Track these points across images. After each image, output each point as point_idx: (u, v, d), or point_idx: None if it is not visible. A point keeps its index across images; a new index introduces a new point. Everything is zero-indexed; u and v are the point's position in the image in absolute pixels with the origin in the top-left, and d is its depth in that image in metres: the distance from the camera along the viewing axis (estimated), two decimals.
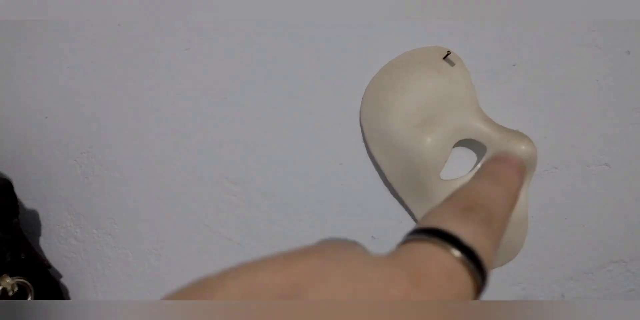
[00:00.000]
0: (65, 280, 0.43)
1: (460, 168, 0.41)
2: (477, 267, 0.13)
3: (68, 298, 0.43)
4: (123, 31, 0.42)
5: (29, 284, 0.40)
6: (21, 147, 0.43)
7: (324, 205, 0.42)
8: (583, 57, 0.41)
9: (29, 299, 0.41)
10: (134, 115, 0.42)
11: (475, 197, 0.15)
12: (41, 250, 0.43)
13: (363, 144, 0.41)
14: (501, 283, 0.41)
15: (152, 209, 0.43)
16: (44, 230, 0.44)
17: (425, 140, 0.40)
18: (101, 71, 0.43)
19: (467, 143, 0.41)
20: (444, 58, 0.42)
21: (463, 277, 0.13)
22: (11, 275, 0.39)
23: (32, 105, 0.43)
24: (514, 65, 0.42)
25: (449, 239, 0.13)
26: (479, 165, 0.40)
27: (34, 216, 0.44)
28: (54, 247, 0.43)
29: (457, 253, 0.13)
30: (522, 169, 0.16)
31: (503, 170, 0.16)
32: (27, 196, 0.43)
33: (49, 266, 0.42)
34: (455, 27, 0.42)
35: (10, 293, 0.39)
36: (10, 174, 0.43)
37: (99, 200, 0.43)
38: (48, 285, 0.41)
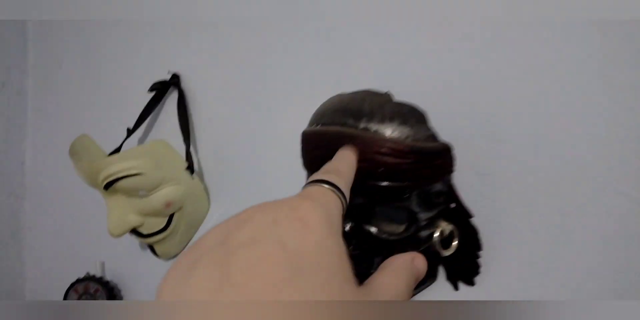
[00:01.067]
0: None
1: None
2: (337, 190, 0.27)
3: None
4: None
5: (456, 230, 0.48)
6: None
7: None
8: None
9: (454, 243, 0.48)
10: None
11: (330, 167, 0.31)
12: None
13: None
14: None
15: None
16: None
17: None
18: None
19: None
20: None
21: (329, 193, 0.26)
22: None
23: None
24: None
25: (321, 182, 0.27)
26: None
27: None
28: None
29: (325, 185, 0.27)
30: (353, 151, 0.38)
31: (344, 152, 0.37)
32: None
33: (472, 216, 0.49)
34: None
35: (441, 236, 0.47)
36: None
37: (502, 162, 0.49)
38: (470, 232, 0.49)
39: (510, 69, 0.50)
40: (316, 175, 0.27)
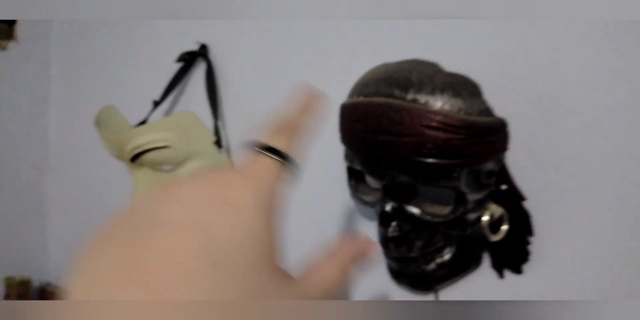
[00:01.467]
0: None
1: None
2: (286, 160, 0.23)
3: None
4: None
5: (506, 213, 0.45)
6: None
7: None
8: None
9: (503, 228, 0.45)
10: None
11: (282, 121, 0.24)
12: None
13: None
14: None
15: None
16: None
17: None
18: None
19: None
20: None
21: (275, 168, 0.22)
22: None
23: None
24: None
25: (268, 150, 0.22)
26: None
27: None
28: None
29: (272, 155, 0.22)
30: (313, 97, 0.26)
31: (301, 94, 0.26)
32: None
33: (524, 199, 0.45)
34: None
35: (490, 220, 0.44)
36: None
37: (558, 143, 0.45)
38: (521, 216, 0.45)
39: (571, 43, 0.45)
40: (264, 136, 0.23)
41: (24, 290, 0.85)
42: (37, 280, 0.92)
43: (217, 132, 0.64)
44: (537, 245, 0.46)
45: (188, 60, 0.68)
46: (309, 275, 0.21)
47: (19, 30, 0.87)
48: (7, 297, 0.83)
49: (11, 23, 0.87)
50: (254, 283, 0.18)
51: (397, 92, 0.40)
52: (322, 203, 0.60)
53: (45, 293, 0.90)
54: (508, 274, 0.48)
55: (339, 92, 0.56)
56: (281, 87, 0.64)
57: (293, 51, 0.63)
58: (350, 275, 0.22)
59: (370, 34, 0.57)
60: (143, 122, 0.67)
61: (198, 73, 0.71)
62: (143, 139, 0.57)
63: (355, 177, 0.51)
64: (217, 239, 0.18)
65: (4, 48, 0.85)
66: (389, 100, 0.40)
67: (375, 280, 0.55)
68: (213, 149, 0.62)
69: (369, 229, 0.56)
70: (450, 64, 0.44)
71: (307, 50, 0.62)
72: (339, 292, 0.21)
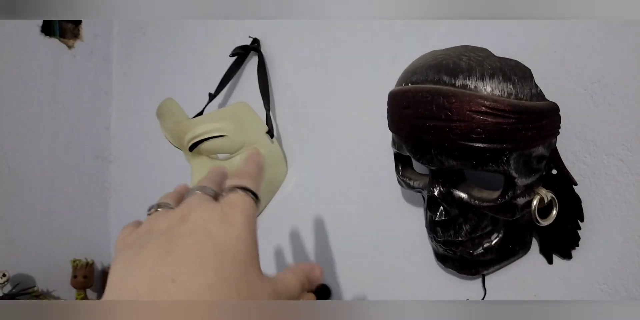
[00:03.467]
0: None
1: None
2: (253, 194, 0.32)
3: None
4: None
5: (555, 199, 0.45)
6: None
7: None
8: None
9: (553, 212, 0.45)
10: None
11: (243, 172, 0.34)
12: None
13: None
14: None
15: None
16: None
17: None
18: None
19: None
20: None
21: (248, 199, 0.31)
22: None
23: None
24: None
25: (240, 188, 0.31)
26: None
27: None
28: None
29: (243, 192, 0.31)
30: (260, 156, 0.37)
31: (252, 154, 0.37)
32: None
33: (575, 184, 0.46)
34: None
35: (540, 205, 0.44)
36: None
37: (609, 127, 0.45)
38: (571, 201, 0.46)
39: (623, 27, 0.45)
40: (234, 181, 0.33)
41: (89, 271, 0.91)
42: (99, 262, 0.98)
43: (268, 122, 0.67)
44: (587, 230, 0.46)
45: (241, 54, 0.71)
46: (278, 277, 0.31)
47: (83, 29, 0.93)
48: (75, 277, 0.90)
49: (77, 23, 0.93)
50: (242, 267, 0.27)
51: (446, 78, 0.41)
52: (368, 188, 0.62)
53: (107, 274, 0.96)
54: (556, 259, 0.48)
55: (385, 82, 0.57)
56: (328, 78, 0.66)
57: (339, 42, 0.65)
58: (304, 286, 0.32)
59: (416, 23, 0.58)
60: (200, 114, 0.71)
61: (249, 68, 0.74)
62: (201, 128, 0.60)
63: (402, 163, 0.52)
64: (219, 241, 0.27)
65: (70, 46, 0.92)
66: (438, 86, 0.41)
67: (421, 263, 0.57)
68: (265, 138, 0.65)
69: (415, 214, 0.57)
70: (499, 51, 0.44)
71: (354, 41, 0.63)
72: (297, 296, 0.31)
